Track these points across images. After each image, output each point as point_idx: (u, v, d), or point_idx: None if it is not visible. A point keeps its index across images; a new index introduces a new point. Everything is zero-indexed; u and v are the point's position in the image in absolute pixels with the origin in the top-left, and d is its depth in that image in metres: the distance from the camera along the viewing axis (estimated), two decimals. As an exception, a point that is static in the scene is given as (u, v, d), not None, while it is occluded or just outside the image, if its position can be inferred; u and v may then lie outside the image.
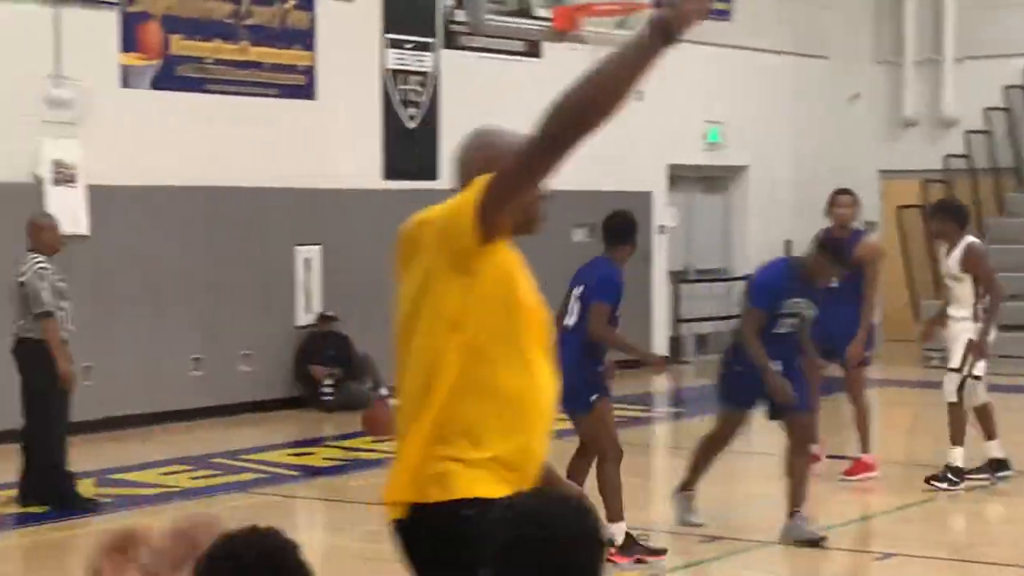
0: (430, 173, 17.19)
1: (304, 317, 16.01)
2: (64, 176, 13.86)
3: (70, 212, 13.75)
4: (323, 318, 16.00)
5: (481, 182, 4.00)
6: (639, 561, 8.97)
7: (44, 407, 10.37)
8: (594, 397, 9.08)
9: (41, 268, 10.47)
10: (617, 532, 8.88)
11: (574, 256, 18.89)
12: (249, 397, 15.45)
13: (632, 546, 8.99)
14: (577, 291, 9.33)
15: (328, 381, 15.71)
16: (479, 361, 4.01)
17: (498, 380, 4.02)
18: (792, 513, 9.56)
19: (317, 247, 16.08)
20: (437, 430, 4.00)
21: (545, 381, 4.12)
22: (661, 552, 9.13)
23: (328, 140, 16.16)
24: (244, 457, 12.79)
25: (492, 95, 17.64)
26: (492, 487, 3.91)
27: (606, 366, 9.27)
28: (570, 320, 9.09)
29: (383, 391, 15.87)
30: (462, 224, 3.99)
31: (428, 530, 4.00)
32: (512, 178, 3.98)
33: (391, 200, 16.72)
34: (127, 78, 14.45)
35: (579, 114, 3.81)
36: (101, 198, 14.07)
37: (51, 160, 13.77)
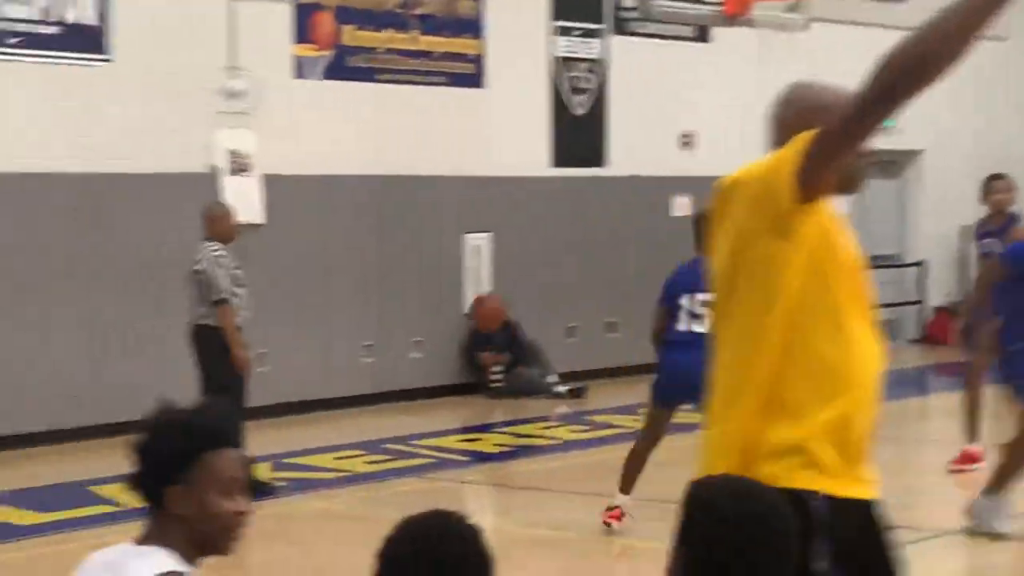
0: (598, 160, 17.16)
1: (471, 307, 16.08)
2: (239, 165, 14.11)
3: (245, 201, 13.99)
4: (489, 304, 16.06)
5: (802, 139, 3.76)
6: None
7: (221, 392, 10.56)
8: None
9: (218, 256, 10.66)
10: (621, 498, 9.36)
11: (744, 242, 18.70)
12: (419, 383, 15.58)
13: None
14: (701, 297, 9.06)
15: (497, 368, 15.78)
16: (796, 330, 3.78)
17: (815, 349, 3.78)
18: (989, 490, 9.24)
19: (486, 235, 16.15)
20: (757, 407, 3.79)
21: (866, 348, 3.86)
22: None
23: (497, 128, 16.22)
24: (415, 443, 12.90)
25: (661, 81, 17.56)
26: (802, 476, 3.70)
27: None
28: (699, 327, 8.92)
29: (551, 377, 15.90)
30: (780, 184, 3.77)
31: None
32: (839, 135, 3.71)
33: (559, 187, 16.74)
34: (300, 68, 14.65)
35: (916, 65, 3.60)
36: (275, 187, 14.29)
37: (227, 150, 14.03)
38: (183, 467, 3.20)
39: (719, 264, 3.92)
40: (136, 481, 3.26)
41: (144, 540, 3.22)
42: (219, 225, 10.83)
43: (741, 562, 2.88)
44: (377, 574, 3.03)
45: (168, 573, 3.12)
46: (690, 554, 2.94)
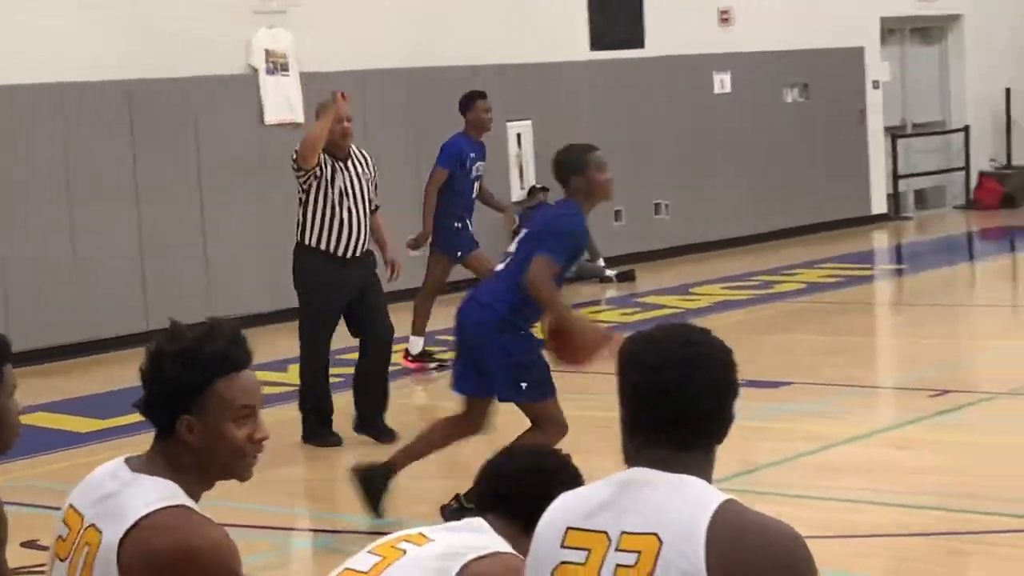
0: (636, 42, 17.05)
1: (518, 192, 16.11)
2: (277, 65, 14.09)
3: (285, 101, 14.02)
4: (534, 191, 16.06)
5: None
6: (422, 369, 11.14)
7: None
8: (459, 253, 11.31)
9: None
10: (415, 344, 11.18)
11: (787, 116, 18.65)
12: (468, 274, 15.61)
13: (423, 358, 11.19)
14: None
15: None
16: None
17: None
18: None
19: (527, 122, 16.12)
20: None
21: None
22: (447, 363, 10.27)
23: (534, 13, 16.11)
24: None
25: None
26: None
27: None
28: None
29: (600, 262, 15.94)
30: None
31: None
32: None
33: (599, 71, 16.66)
34: (332, -36, 14.57)
35: None
36: (313, 85, 14.26)
37: (263, 49, 14.00)
38: (193, 396, 3.08)
39: None
40: (146, 408, 3.15)
41: (151, 464, 3.13)
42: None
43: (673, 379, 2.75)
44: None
45: (169, 507, 3.04)
46: (627, 386, 2.84)
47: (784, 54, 18.22)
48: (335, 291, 8.92)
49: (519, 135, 16.10)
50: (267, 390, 10.81)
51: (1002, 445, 8.36)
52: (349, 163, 9.07)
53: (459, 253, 11.37)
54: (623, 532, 2.68)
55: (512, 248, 7.19)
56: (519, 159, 16.10)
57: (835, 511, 7.10)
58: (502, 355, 7.03)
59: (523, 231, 7.29)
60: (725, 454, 2.90)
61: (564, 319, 6.86)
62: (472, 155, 11.31)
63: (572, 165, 7.11)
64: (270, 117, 13.96)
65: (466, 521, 3.27)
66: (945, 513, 7.03)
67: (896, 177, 19.89)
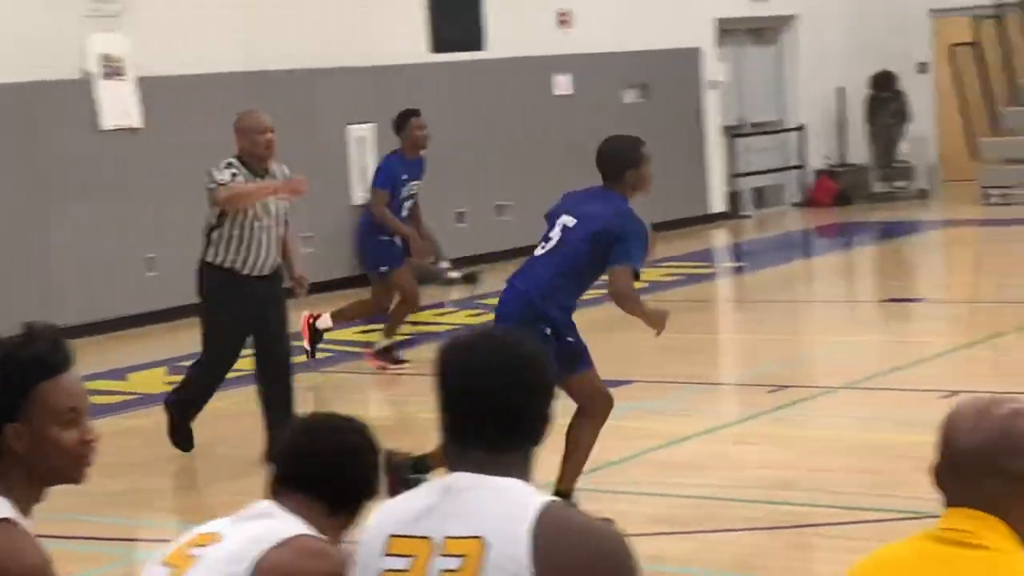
0: (476, 44, 17.09)
1: (360, 196, 16.05)
2: (113, 70, 13.88)
3: (121, 106, 13.82)
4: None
5: None
6: (309, 339, 10.75)
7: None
8: (384, 268, 11.06)
9: None
10: (324, 321, 10.81)
11: (626, 117, 18.84)
12: (312, 278, 15.53)
13: (317, 335, 10.83)
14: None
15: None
16: None
17: None
18: None
19: (370, 125, 16.08)
20: None
21: None
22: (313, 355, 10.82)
23: (373, 16, 16.07)
24: (311, 337, 12.89)
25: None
26: None
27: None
28: None
29: (444, 264, 15.95)
30: None
31: None
32: None
33: (440, 73, 16.67)
34: (168, -33, 14.41)
35: None
36: (151, 90, 14.09)
37: (98, 54, 13.79)
38: (16, 403, 2.99)
39: None
40: None
41: None
42: None
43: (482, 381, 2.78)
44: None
45: None
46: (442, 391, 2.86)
47: (622, 55, 18.41)
48: (238, 307, 8.57)
49: (361, 139, 16.05)
50: (107, 399, 10.70)
51: (838, 438, 8.54)
52: (267, 179, 8.79)
53: (384, 268, 11.29)
54: (447, 537, 2.70)
55: (554, 234, 7.19)
56: (361, 164, 16.03)
57: (681, 507, 7.19)
58: None
59: (562, 218, 7.21)
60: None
61: (645, 319, 7.23)
62: (404, 176, 11.43)
63: (629, 159, 7.33)
64: (107, 122, 13.76)
65: (257, 507, 3.21)
66: (786, 507, 7.16)
67: (734, 176, 20.20)
